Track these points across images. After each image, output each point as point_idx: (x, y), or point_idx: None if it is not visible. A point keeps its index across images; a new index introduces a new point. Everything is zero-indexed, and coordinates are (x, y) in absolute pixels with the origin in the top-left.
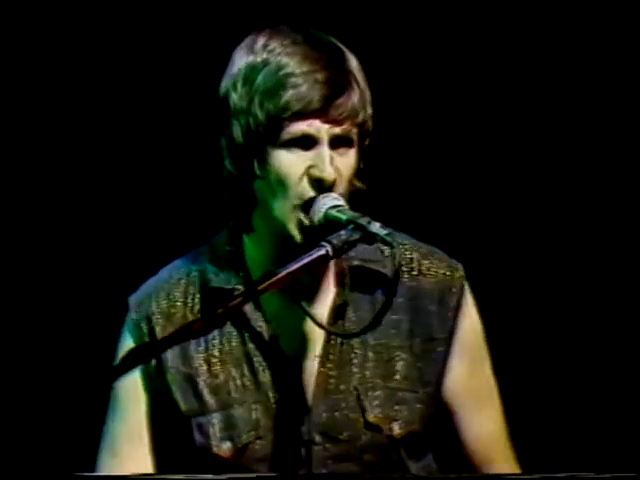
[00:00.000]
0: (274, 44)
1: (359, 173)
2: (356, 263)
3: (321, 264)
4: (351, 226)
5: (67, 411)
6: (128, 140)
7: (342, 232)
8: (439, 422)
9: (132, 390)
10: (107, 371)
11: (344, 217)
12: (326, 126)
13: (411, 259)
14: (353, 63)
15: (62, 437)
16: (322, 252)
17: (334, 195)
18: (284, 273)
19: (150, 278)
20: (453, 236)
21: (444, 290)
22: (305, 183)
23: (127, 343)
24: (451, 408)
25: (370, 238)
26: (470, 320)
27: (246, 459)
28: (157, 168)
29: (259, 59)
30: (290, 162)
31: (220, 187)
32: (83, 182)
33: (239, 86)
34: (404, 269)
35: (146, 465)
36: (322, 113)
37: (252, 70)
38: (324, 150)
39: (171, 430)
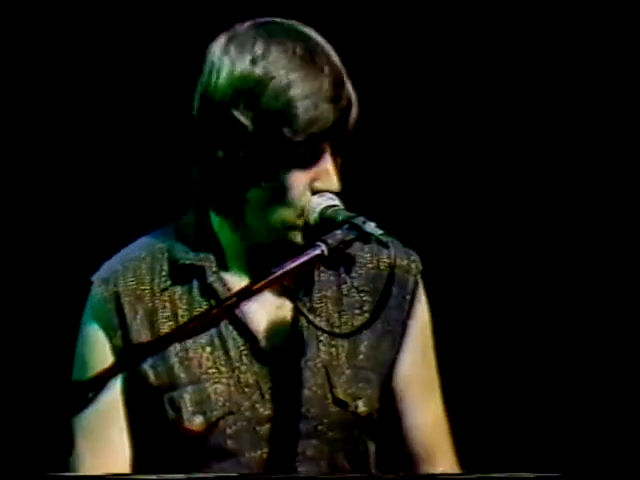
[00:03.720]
0: (274, 54)
1: None
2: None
3: (316, 264)
4: (346, 226)
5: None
6: (90, 117)
7: (337, 232)
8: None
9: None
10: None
11: (339, 217)
12: (331, 142)
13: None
14: (343, 70)
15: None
16: (317, 252)
17: (329, 195)
18: (280, 273)
19: (111, 257)
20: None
21: (402, 274)
22: (309, 194)
23: (93, 322)
24: (398, 394)
25: (365, 238)
26: (422, 308)
27: (217, 435)
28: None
29: (261, 72)
30: (295, 176)
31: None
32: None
33: (242, 100)
34: (367, 253)
35: (123, 445)
36: (331, 133)
37: (256, 84)
38: (329, 165)
39: (144, 407)
